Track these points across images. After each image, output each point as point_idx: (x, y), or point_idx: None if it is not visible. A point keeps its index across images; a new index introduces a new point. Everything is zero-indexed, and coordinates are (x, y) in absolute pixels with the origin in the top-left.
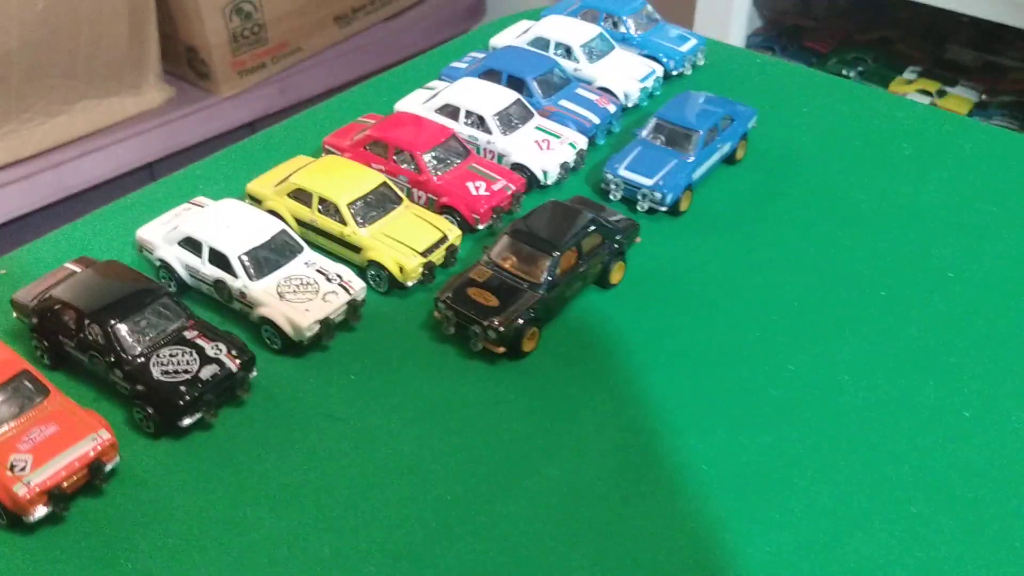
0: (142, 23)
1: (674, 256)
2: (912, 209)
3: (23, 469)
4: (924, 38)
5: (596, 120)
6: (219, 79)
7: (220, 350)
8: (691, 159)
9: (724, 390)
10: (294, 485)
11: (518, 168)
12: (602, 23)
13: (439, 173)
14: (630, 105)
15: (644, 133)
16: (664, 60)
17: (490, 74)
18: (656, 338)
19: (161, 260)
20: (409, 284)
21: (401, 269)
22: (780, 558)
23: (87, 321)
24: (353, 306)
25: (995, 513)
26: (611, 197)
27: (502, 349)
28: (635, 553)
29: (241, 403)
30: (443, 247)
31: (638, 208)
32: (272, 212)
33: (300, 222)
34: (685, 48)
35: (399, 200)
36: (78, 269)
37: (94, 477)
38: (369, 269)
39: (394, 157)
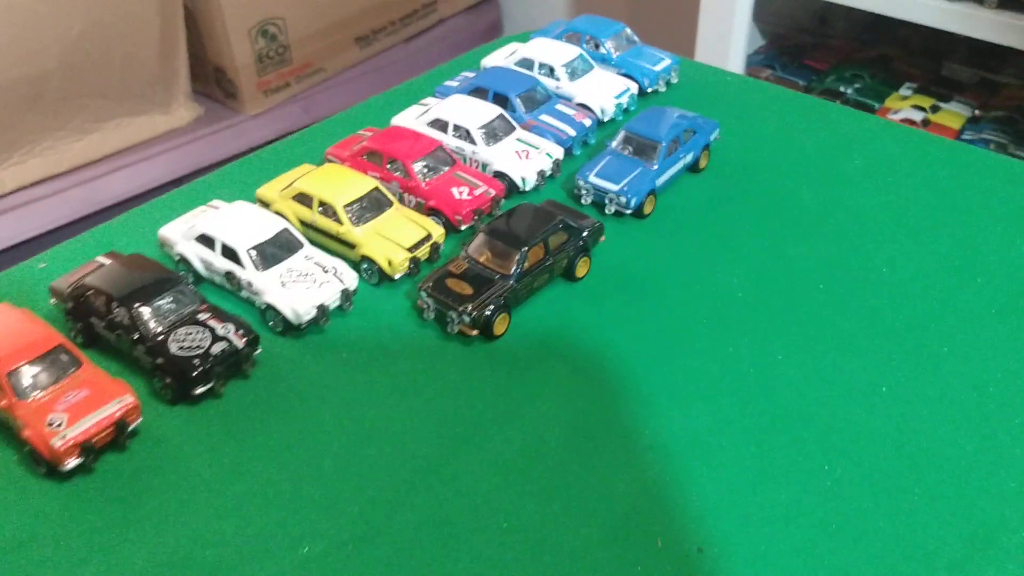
0: (172, 45)
1: (636, 254)
2: (855, 213)
3: (59, 425)
4: (922, 56)
5: (573, 133)
6: (245, 98)
7: (229, 330)
8: (655, 167)
9: (671, 368)
10: (291, 443)
11: (499, 175)
12: (584, 45)
13: (427, 179)
14: (606, 119)
15: (614, 144)
16: (639, 78)
17: (478, 91)
18: (615, 325)
19: (180, 255)
20: (397, 277)
21: (389, 263)
22: (708, 501)
23: (115, 304)
24: (346, 294)
25: (899, 471)
26: (582, 201)
27: (475, 332)
28: (582, 501)
29: (247, 376)
30: (428, 244)
31: (606, 211)
32: (278, 213)
33: (302, 222)
34: (659, 67)
35: (390, 203)
36: (107, 262)
37: (119, 435)
38: (362, 263)
39: (387, 166)
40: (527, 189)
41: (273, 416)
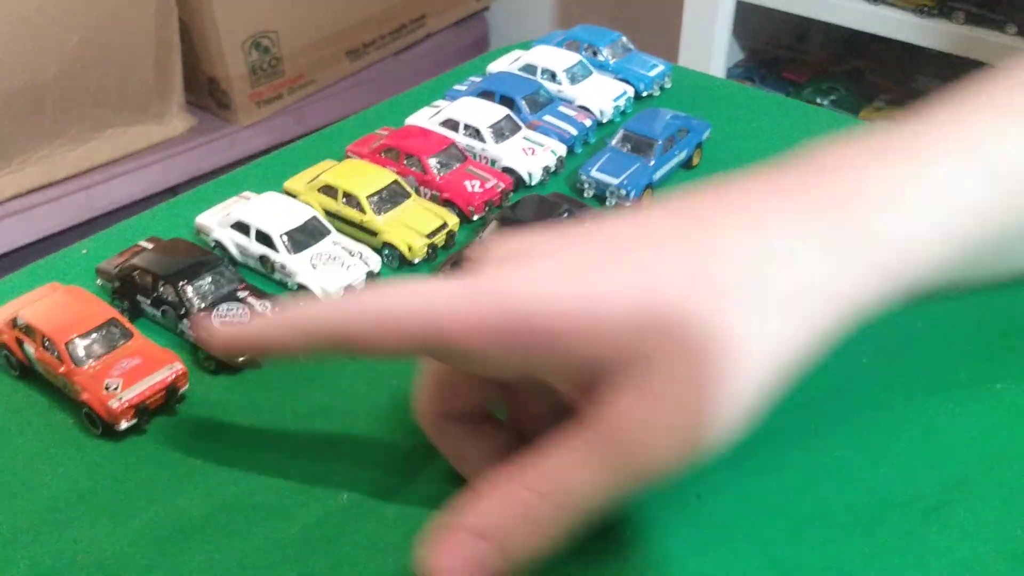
0: (167, 56)
1: None
2: None
3: (116, 389)
4: (894, 70)
5: (574, 132)
6: (238, 109)
7: (266, 307)
8: (652, 163)
9: None
10: (326, 407)
11: (507, 171)
12: (583, 52)
13: (441, 174)
14: (604, 121)
15: (613, 142)
16: (635, 83)
17: (486, 94)
18: None
19: (216, 241)
20: (416, 261)
21: (409, 248)
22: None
23: (161, 283)
24: (370, 276)
25: (879, 428)
26: (585, 195)
27: None
28: None
29: None
30: (444, 231)
31: (607, 204)
32: (306, 203)
33: (328, 212)
34: (653, 73)
35: (408, 195)
36: (150, 245)
37: (170, 398)
38: (384, 249)
39: (404, 161)
40: (533, 183)
41: (308, 383)
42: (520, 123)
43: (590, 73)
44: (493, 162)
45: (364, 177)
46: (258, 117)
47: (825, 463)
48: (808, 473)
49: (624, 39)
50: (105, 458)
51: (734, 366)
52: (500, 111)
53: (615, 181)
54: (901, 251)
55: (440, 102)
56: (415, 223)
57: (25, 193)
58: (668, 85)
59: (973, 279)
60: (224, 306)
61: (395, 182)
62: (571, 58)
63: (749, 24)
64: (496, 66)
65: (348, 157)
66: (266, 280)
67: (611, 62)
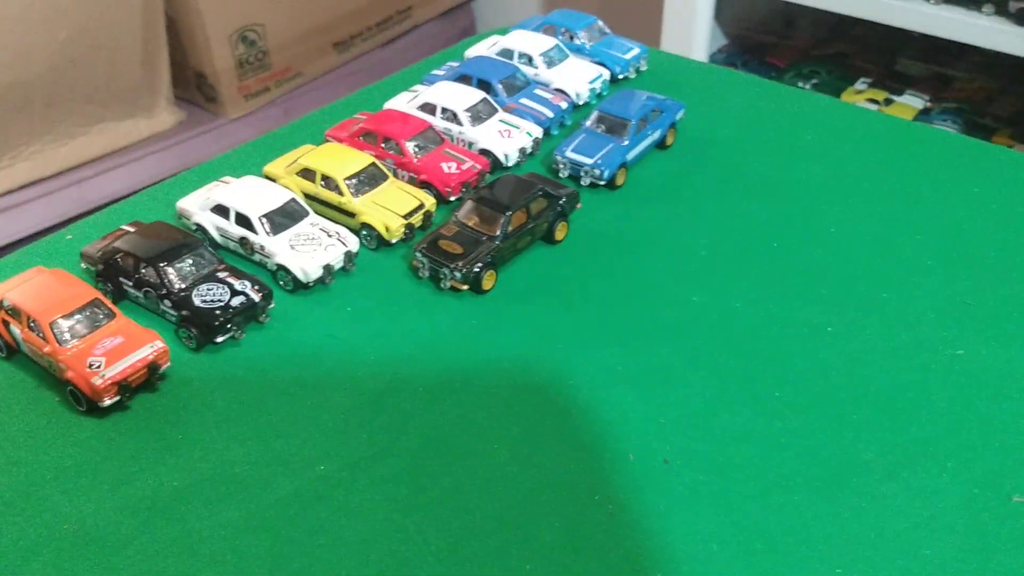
0: (155, 51)
1: (609, 220)
2: (805, 181)
3: (99, 367)
4: (877, 52)
5: (550, 114)
6: (226, 102)
7: (246, 286)
8: (625, 143)
9: (640, 314)
10: (304, 381)
11: (484, 152)
12: (560, 36)
13: (419, 156)
14: (580, 103)
15: (588, 123)
16: (611, 66)
17: (463, 78)
18: (589, 280)
19: (197, 224)
20: (393, 241)
21: (387, 229)
22: (674, 421)
23: (143, 265)
24: (349, 256)
25: (842, 396)
26: (560, 175)
27: (465, 287)
28: (563, 423)
29: (262, 327)
30: (421, 212)
31: (582, 183)
32: (285, 187)
33: (306, 195)
34: (629, 56)
35: (385, 177)
36: (132, 229)
37: (151, 375)
38: (362, 230)
39: (382, 144)
40: (509, 165)
41: (287, 360)
42: (496, 106)
43: (566, 57)
44: (470, 144)
45: (342, 160)
46: (246, 110)
47: (787, 429)
48: (771, 439)
49: (600, 23)
50: (90, 434)
51: None
52: (477, 95)
53: (589, 161)
54: None
55: (418, 87)
56: (393, 204)
57: (17, 189)
58: (644, 68)
59: None
60: (204, 286)
61: (372, 164)
62: (547, 42)
63: (734, 10)
64: (474, 51)
65: (327, 141)
66: (246, 261)
67: (587, 46)
